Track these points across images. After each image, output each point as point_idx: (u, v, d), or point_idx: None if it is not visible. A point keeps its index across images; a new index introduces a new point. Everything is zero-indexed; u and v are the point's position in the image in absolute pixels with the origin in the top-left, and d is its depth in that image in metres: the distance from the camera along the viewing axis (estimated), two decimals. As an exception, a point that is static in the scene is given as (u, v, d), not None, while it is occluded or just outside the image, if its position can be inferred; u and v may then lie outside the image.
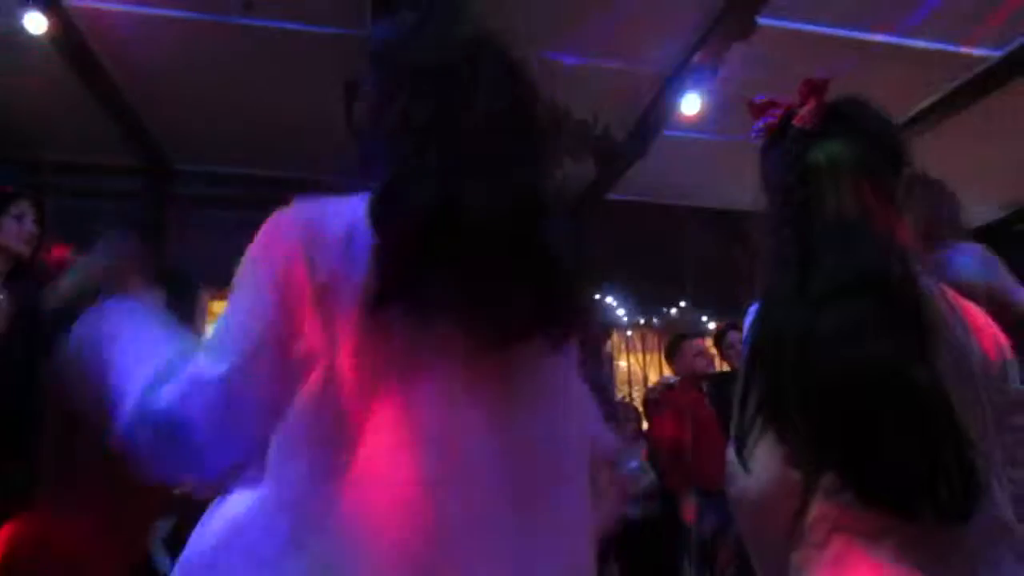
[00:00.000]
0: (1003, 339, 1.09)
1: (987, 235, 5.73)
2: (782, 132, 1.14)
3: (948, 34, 3.87)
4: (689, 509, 3.52)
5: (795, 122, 1.12)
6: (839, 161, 1.07)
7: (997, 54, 4.02)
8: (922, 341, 0.93)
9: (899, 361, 0.90)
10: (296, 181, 5.09)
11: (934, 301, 1.00)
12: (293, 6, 3.63)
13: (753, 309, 1.11)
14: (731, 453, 1.05)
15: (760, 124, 1.17)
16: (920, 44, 3.86)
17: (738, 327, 4.18)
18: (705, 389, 3.83)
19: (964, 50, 3.98)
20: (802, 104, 1.13)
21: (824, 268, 0.98)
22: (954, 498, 0.86)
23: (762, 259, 1.10)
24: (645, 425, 4.78)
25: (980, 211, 5.62)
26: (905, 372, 0.90)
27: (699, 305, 5.87)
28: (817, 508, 0.96)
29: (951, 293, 1.07)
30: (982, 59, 4.05)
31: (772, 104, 1.17)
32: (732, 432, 1.06)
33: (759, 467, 1.00)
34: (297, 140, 4.61)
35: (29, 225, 2.47)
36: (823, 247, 1.00)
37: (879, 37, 3.76)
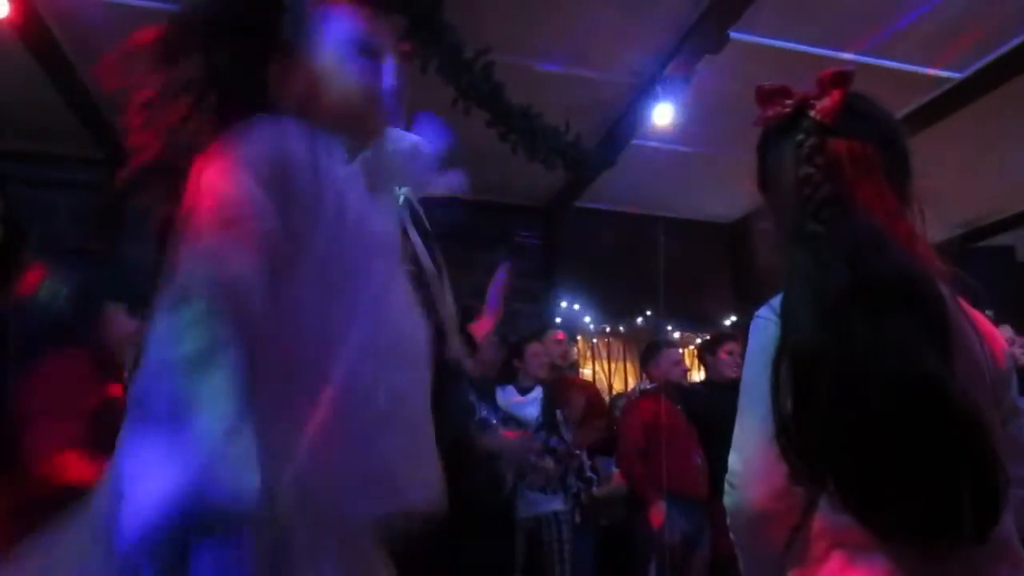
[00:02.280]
0: (1006, 347, 1.07)
1: (944, 253, 5.87)
2: (793, 122, 1.06)
3: (914, 55, 3.96)
4: (657, 514, 3.50)
5: (815, 114, 1.04)
6: (862, 160, 1.01)
7: (958, 76, 4.12)
8: (951, 355, 0.89)
9: (944, 379, 0.87)
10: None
11: (953, 310, 0.96)
12: None
13: (765, 312, 1.03)
14: (733, 461, 1.01)
15: (769, 113, 1.09)
16: (886, 64, 3.94)
17: (734, 337, 4.20)
18: (676, 400, 3.83)
19: (928, 71, 4.08)
20: (820, 95, 1.05)
21: (858, 276, 0.92)
22: (978, 526, 0.85)
23: (774, 260, 1.04)
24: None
25: (938, 229, 5.75)
26: (950, 391, 0.86)
27: (665, 314, 5.92)
28: (817, 523, 0.93)
29: (963, 301, 1.03)
30: (944, 80, 4.15)
31: (784, 91, 1.08)
32: (737, 441, 1.02)
33: (760, 480, 0.96)
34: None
35: None
36: (856, 252, 0.94)
37: (847, 55, 3.82)
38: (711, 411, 3.61)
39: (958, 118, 4.22)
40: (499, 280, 2.76)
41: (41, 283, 2.39)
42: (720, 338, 4.15)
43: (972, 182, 4.95)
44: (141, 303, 2.31)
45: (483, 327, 2.65)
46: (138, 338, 2.32)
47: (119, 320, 2.32)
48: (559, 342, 3.98)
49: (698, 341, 5.44)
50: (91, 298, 2.36)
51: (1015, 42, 3.81)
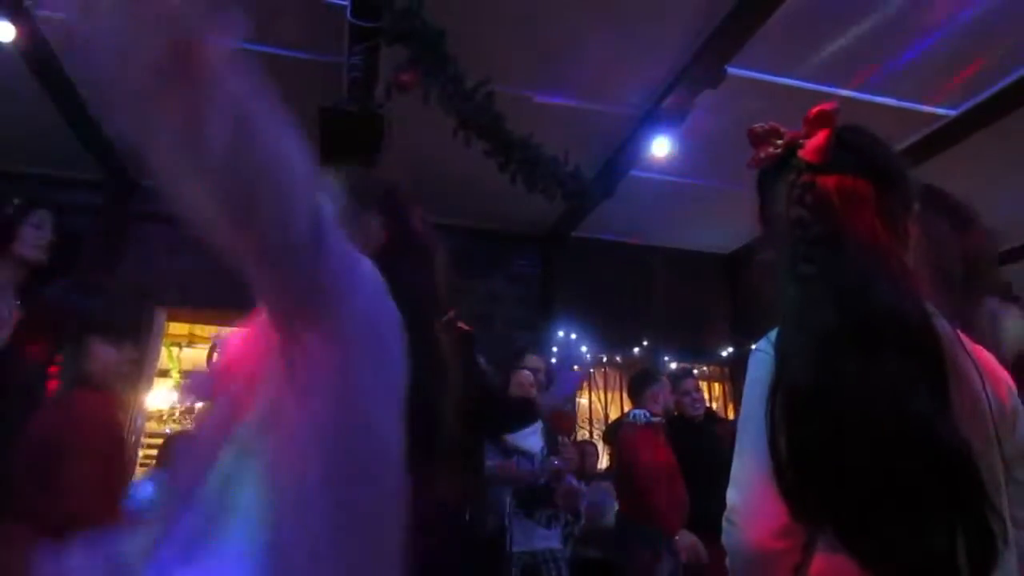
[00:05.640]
0: (1013, 385, 1.05)
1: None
2: (785, 162, 1.06)
3: (908, 92, 4.02)
4: (685, 543, 3.39)
5: (802, 155, 1.04)
6: (851, 196, 0.99)
7: (952, 113, 4.18)
8: (947, 394, 0.87)
9: (934, 420, 0.85)
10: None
11: (952, 346, 0.93)
12: (268, 29, 3.63)
13: (763, 345, 1.02)
14: (732, 497, 0.99)
15: (761, 155, 1.10)
16: (882, 100, 4.00)
17: (689, 374, 4.17)
18: (667, 431, 3.78)
19: (922, 108, 4.13)
20: (808, 135, 1.05)
21: (848, 313, 0.91)
22: (974, 569, 0.83)
23: (773, 296, 1.02)
24: (607, 460, 4.73)
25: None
26: (939, 432, 0.84)
27: (663, 344, 5.92)
28: (817, 563, 0.92)
29: (964, 337, 1.00)
30: (938, 117, 4.21)
31: (775, 132, 1.09)
32: (735, 475, 1.00)
33: (761, 518, 0.94)
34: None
35: (47, 232, 2.52)
36: (844, 289, 0.93)
37: (843, 92, 3.88)
38: (690, 446, 3.58)
39: (951, 154, 4.27)
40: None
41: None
42: (676, 377, 4.06)
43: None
44: (121, 332, 2.32)
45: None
46: (123, 367, 2.31)
47: (102, 352, 2.32)
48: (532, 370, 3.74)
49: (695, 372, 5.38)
50: (146, 299, 2.40)
51: (1007, 81, 3.88)
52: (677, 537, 3.38)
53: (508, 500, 3.14)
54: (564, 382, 3.08)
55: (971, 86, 3.98)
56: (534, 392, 3.51)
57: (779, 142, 1.08)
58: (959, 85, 3.98)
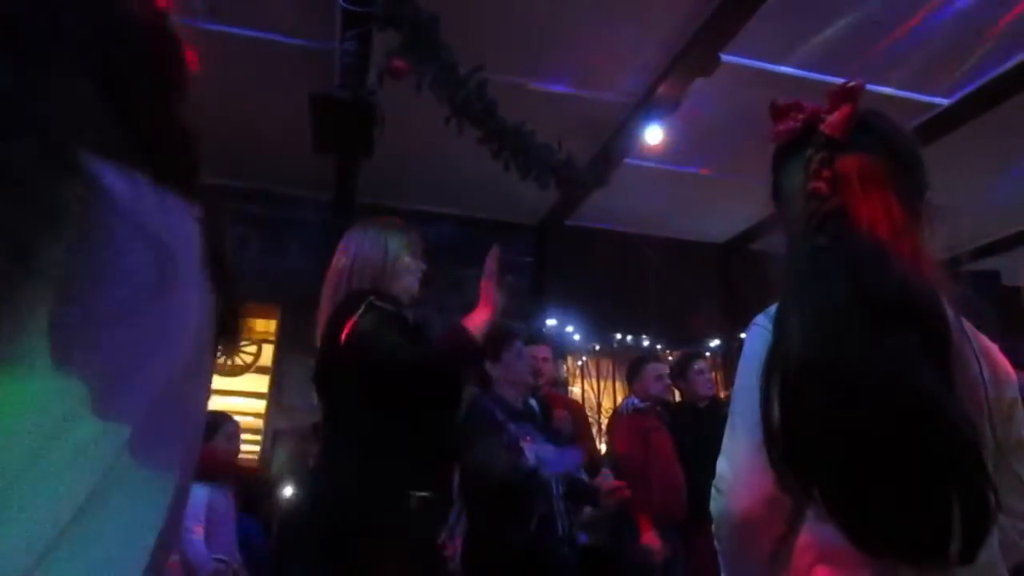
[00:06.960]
0: (1013, 375, 1.04)
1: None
2: (804, 137, 1.06)
3: (903, 81, 4.02)
4: (653, 540, 3.42)
5: (824, 129, 1.04)
6: (870, 175, 1.00)
7: (946, 102, 4.18)
8: (951, 376, 0.88)
9: (940, 396, 0.85)
10: (252, 191, 5.01)
11: (956, 332, 0.94)
12: (261, 15, 3.60)
13: (762, 320, 1.02)
14: (722, 467, 1.00)
15: (781, 128, 1.09)
16: (876, 89, 3.99)
17: (700, 355, 4.18)
18: (663, 418, 3.78)
19: (917, 97, 4.13)
20: (831, 110, 1.05)
21: (857, 289, 0.90)
22: (966, 547, 0.82)
23: (783, 267, 1.01)
24: (603, 448, 4.74)
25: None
26: (945, 406, 0.84)
27: (656, 333, 5.93)
28: (803, 535, 0.93)
29: (968, 323, 1.01)
30: (932, 106, 4.21)
31: (796, 107, 1.09)
32: (726, 446, 1.01)
33: (747, 487, 0.95)
34: (256, 150, 4.55)
35: None
36: (857, 265, 0.92)
37: (837, 80, 3.86)
38: (694, 432, 3.60)
39: (945, 143, 4.28)
40: (490, 261, 2.40)
41: None
42: (686, 359, 4.07)
43: (958, 206, 5.01)
44: None
45: (479, 316, 2.34)
46: None
47: None
48: (537, 359, 3.65)
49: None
50: None
51: (1001, 69, 3.88)
52: (648, 536, 3.42)
53: (557, 485, 3.12)
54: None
55: (965, 75, 3.98)
56: (548, 370, 3.57)
57: (800, 116, 1.08)
58: (953, 74, 3.98)
